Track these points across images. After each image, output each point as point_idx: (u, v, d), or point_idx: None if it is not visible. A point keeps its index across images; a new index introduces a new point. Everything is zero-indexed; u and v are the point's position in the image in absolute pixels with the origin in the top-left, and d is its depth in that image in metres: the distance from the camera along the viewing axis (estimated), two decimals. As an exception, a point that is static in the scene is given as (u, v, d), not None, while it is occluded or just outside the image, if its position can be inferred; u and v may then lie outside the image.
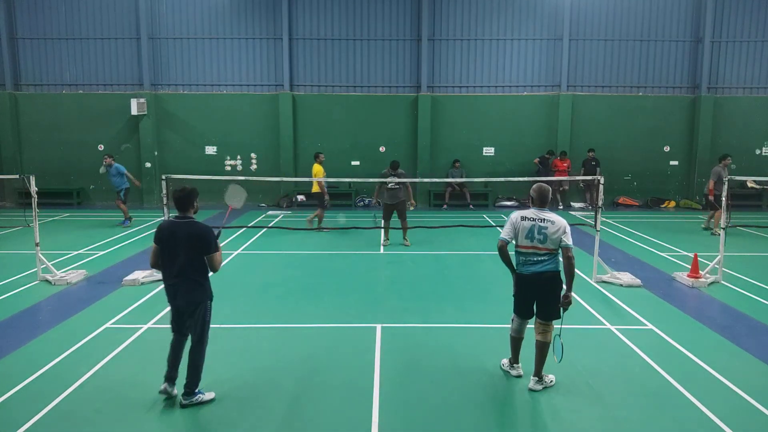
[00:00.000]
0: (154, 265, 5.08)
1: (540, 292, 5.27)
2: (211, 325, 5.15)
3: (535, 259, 5.20)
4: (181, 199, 4.95)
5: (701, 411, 4.95)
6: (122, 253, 11.32)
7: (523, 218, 5.25)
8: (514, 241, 5.32)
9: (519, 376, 5.60)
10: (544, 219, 5.19)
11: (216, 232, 5.12)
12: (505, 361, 5.80)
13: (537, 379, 5.34)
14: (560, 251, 5.23)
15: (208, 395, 5.08)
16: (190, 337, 5.12)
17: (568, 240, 5.16)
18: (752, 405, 5.06)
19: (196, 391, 5.01)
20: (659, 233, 13.63)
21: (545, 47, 18.56)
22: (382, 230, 12.06)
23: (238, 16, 18.40)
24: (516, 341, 5.60)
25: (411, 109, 18.66)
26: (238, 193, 5.48)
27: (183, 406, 4.96)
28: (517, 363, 5.67)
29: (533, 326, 5.47)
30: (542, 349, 5.31)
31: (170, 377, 5.08)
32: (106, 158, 14.52)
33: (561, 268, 5.26)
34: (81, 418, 4.84)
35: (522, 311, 5.46)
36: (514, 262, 5.38)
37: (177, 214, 5.00)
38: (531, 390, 5.32)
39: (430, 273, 9.82)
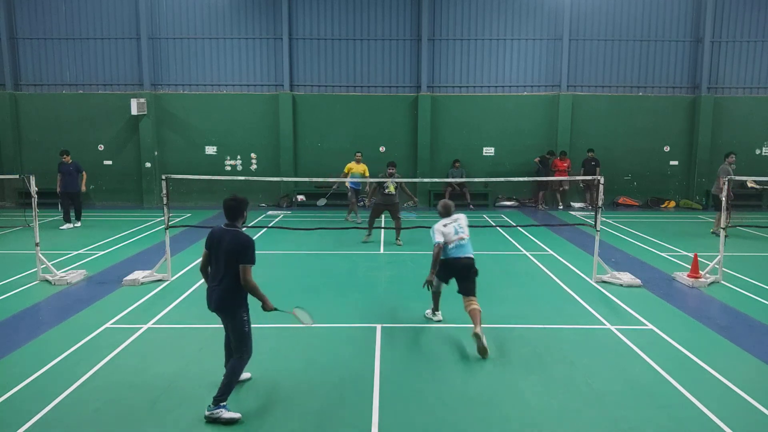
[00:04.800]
0: (203, 270, 5.12)
1: (462, 273, 6.73)
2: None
3: (461, 244, 6.80)
4: (232, 208, 4.95)
5: (701, 411, 4.95)
6: (122, 253, 11.32)
7: (445, 225, 6.86)
8: (443, 240, 6.73)
9: (440, 321, 7.23)
10: (456, 219, 6.99)
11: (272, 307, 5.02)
12: (428, 311, 7.39)
13: (479, 329, 6.44)
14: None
15: (230, 414, 4.76)
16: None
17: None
18: (752, 405, 5.06)
19: (221, 404, 4.77)
20: (659, 233, 13.63)
21: (545, 47, 18.56)
22: (369, 228, 12.21)
23: (238, 16, 18.40)
24: (437, 295, 7.25)
25: (411, 109, 18.66)
26: (307, 319, 5.42)
27: (206, 417, 4.75)
28: (438, 311, 7.33)
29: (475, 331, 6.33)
30: (476, 315, 6.46)
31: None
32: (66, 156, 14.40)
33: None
34: (81, 418, 4.84)
35: (445, 280, 7.03)
36: (444, 256, 6.77)
37: (226, 222, 4.99)
38: (476, 334, 6.27)
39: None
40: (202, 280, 9.19)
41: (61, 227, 14.07)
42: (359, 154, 15.14)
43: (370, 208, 12.59)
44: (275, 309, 4.99)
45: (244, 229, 5.09)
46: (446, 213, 7.07)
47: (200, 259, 5.16)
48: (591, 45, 18.56)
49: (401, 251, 11.50)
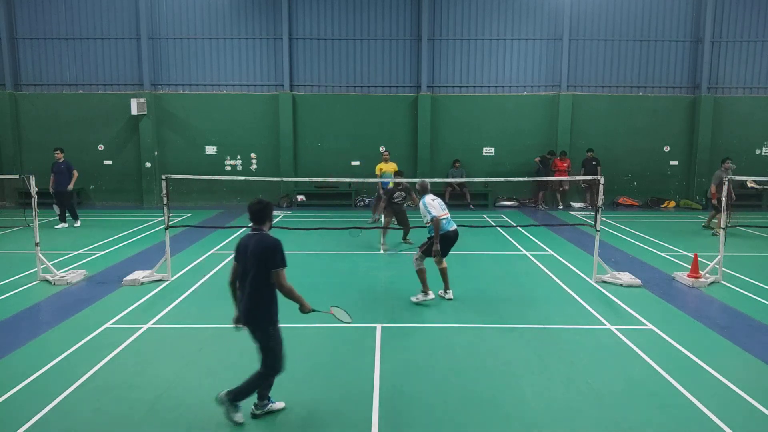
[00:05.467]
0: (231, 284, 4.88)
1: (453, 242, 7.94)
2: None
3: (449, 218, 7.88)
4: (258, 212, 4.81)
5: (701, 411, 4.95)
6: (122, 253, 11.32)
7: (432, 199, 7.84)
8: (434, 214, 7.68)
9: (432, 298, 7.90)
10: (436, 197, 7.97)
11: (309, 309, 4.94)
12: (420, 296, 7.92)
13: (448, 290, 8.11)
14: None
15: (239, 416, 4.73)
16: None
17: None
18: (752, 405, 5.06)
19: (237, 404, 4.74)
20: (659, 233, 13.63)
21: (545, 47, 18.56)
22: (383, 232, 12.04)
23: (238, 16, 18.40)
24: (424, 273, 7.89)
25: (411, 109, 18.66)
26: (345, 317, 5.23)
27: (218, 398, 4.74)
28: (429, 290, 7.88)
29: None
30: (445, 273, 8.08)
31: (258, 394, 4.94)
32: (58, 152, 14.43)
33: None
34: (81, 418, 4.84)
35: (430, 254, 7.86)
36: (440, 231, 7.65)
37: (252, 227, 4.87)
38: (448, 299, 7.99)
39: (430, 273, 9.78)
40: (203, 280, 9.27)
41: (56, 227, 14.07)
42: (387, 153, 15.06)
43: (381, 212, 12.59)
44: (313, 310, 4.94)
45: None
46: (425, 191, 8.06)
47: (230, 272, 4.91)
48: (591, 45, 18.56)
49: (402, 251, 11.49)
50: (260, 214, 4.82)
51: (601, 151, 18.39)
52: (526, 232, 13.21)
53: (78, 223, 14.43)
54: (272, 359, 4.76)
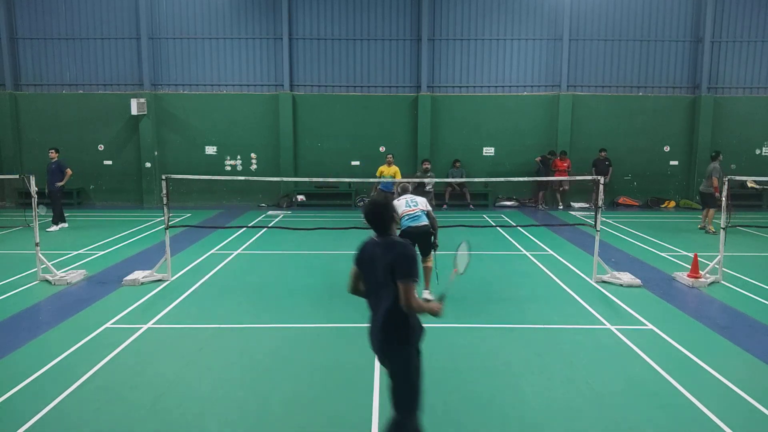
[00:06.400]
0: (352, 292, 4.11)
1: (420, 238, 7.84)
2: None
3: (413, 215, 7.94)
4: (376, 218, 3.74)
5: (701, 411, 4.95)
6: (122, 253, 11.32)
7: (398, 200, 8.21)
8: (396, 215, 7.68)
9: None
10: (411, 197, 8.27)
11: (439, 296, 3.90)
12: None
13: (428, 291, 8.15)
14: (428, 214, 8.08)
15: None
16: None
17: (429, 207, 8.20)
18: (752, 405, 5.06)
19: None
20: (659, 233, 13.63)
21: (545, 47, 18.56)
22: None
23: (238, 16, 18.41)
24: None
25: (411, 109, 18.67)
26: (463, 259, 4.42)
27: None
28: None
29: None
30: (427, 273, 8.19)
31: None
32: (52, 152, 14.21)
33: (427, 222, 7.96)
34: (81, 418, 4.83)
35: None
36: (402, 227, 7.91)
37: (376, 234, 3.81)
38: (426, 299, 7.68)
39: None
40: (203, 280, 9.27)
41: (47, 229, 13.54)
42: (390, 157, 15.00)
43: None
44: (442, 301, 3.87)
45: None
46: (404, 192, 8.69)
47: (349, 279, 4.08)
48: (591, 45, 18.57)
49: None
50: (380, 220, 3.75)
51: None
52: (526, 232, 13.21)
53: (56, 228, 13.79)
54: (409, 393, 3.68)
